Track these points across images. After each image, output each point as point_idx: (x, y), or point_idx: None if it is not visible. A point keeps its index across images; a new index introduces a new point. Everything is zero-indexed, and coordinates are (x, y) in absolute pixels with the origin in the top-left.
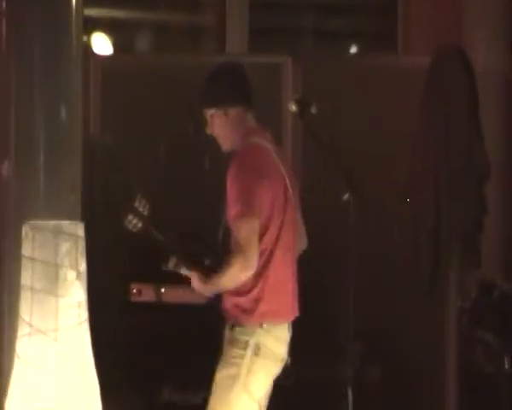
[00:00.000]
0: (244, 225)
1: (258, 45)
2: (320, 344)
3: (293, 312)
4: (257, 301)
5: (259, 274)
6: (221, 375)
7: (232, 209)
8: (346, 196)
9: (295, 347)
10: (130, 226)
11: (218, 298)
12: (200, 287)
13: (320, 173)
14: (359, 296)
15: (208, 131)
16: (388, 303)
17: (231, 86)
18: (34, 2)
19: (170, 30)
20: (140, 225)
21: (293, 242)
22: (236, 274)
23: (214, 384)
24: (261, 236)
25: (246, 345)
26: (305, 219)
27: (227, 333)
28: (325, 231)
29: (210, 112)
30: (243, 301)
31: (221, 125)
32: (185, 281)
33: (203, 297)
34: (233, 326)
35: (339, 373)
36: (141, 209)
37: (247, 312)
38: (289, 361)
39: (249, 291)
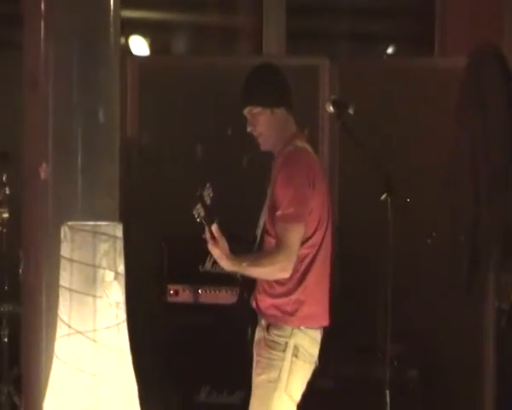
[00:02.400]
0: (295, 229)
1: (295, 48)
2: (358, 344)
3: (327, 318)
4: (298, 303)
5: (302, 277)
6: (261, 378)
7: (284, 211)
8: (383, 197)
9: (334, 347)
10: (196, 215)
11: (250, 298)
12: (228, 264)
13: (357, 174)
14: (397, 297)
15: (249, 130)
16: (426, 303)
17: (279, 87)
18: (72, 5)
19: (207, 31)
20: (203, 214)
21: (331, 248)
22: (274, 272)
23: (255, 387)
24: (307, 240)
25: (285, 347)
26: (342, 219)
27: (261, 333)
28: (363, 231)
29: (255, 110)
30: (284, 302)
31: (265, 124)
32: (222, 282)
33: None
34: (269, 327)
35: (377, 374)
36: (206, 198)
37: (288, 314)
38: (317, 363)
39: (290, 293)
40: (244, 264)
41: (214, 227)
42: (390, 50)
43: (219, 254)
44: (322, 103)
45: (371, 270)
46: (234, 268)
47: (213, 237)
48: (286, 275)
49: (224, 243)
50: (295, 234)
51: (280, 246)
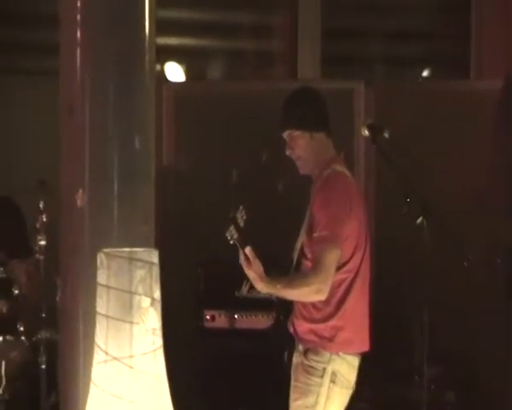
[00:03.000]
0: (331, 251)
1: (330, 71)
2: (395, 367)
3: (367, 343)
4: (336, 329)
5: (340, 302)
6: (298, 403)
7: (320, 232)
8: (419, 220)
9: (371, 370)
10: (229, 237)
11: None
12: (263, 286)
13: (393, 197)
14: (434, 319)
15: (288, 153)
16: (464, 326)
17: (319, 111)
18: (108, 32)
19: (242, 57)
20: (236, 236)
21: (369, 273)
22: (310, 294)
23: None
24: (344, 264)
25: (323, 373)
26: (378, 242)
27: (298, 358)
28: (399, 253)
29: (294, 133)
30: (321, 328)
31: (304, 148)
32: (258, 307)
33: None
34: (306, 352)
35: (414, 397)
36: (239, 221)
37: (326, 339)
38: (354, 388)
39: (328, 319)
40: (279, 286)
41: (248, 249)
42: (425, 73)
43: (254, 276)
44: (358, 127)
45: (408, 292)
46: (269, 290)
47: (247, 259)
48: (321, 297)
49: (258, 264)
50: (331, 256)
51: (316, 268)
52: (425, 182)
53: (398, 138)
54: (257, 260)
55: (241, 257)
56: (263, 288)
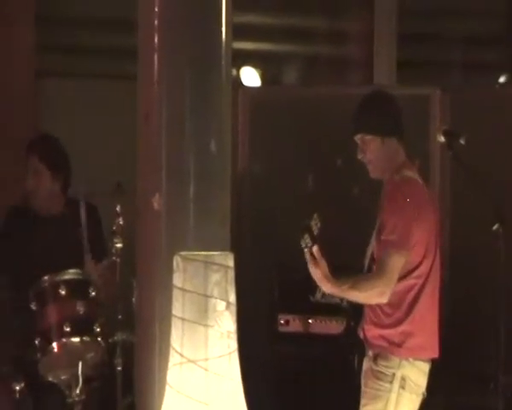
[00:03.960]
0: (396, 256)
1: (406, 77)
2: (469, 375)
3: (437, 349)
4: (406, 335)
5: (409, 308)
6: (367, 409)
7: (386, 236)
8: (495, 227)
9: (444, 377)
10: (303, 245)
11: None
12: (328, 286)
13: (469, 204)
14: (509, 327)
15: (359, 157)
16: None
17: (391, 116)
18: (185, 37)
19: (317, 62)
20: (310, 244)
21: (440, 279)
22: (373, 296)
23: None
24: (413, 270)
25: (392, 378)
26: (454, 248)
27: (368, 364)
28: (474, 260)
29: (366, 137)
30: (391, 333)
31: (376, 152)
32: (332, 312)
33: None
34: (376, 357)
35: (489, 405)
36: (313, 229)
37: (395, 345)
38: (425, 394)
39: (397, 324)
40: (344, 287)
41: (315, 249)
42: (502, 79)
43: (319, 276)
44: (434, 133)
45: (483, 299)
46: (334, 291)
47: (314, 258)
48: (383, 300)
49: (324, 264)
50: (396, 261)
51: (379, 271)
52: (502, 189)
53: (474, 145)
54: (323, 260)
55: (308, 256)
56: (328, 288)
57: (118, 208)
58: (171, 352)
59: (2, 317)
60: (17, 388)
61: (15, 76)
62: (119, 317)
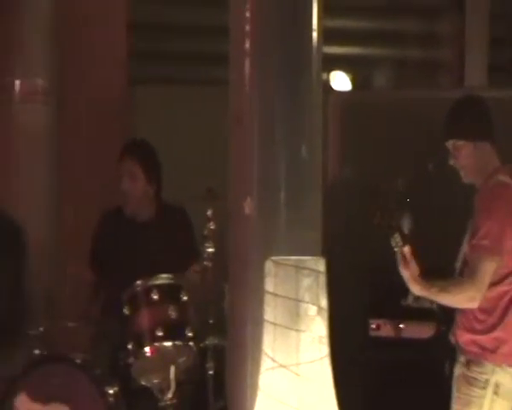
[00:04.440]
0: (488, 261)
1: (498, 79)
2: None
3: None
4: (499, 341)
5: (502, 314)
6: None
7: (478, 241)
8: None
9: None
10: (393, 245)
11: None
12: (417, 288)
13: None
14: None
15: (451, 163)
16: None
17: (483, 121)
18: (276, 42)
19: (408, 65)
20: (401, 244)
21: None
22: (462, 301)
23: None
24: (506, 276)
25: (485, 384)
26: None
27: (460, 369)
28: None
29: (458, 143)
30: (484, 339)
31: (468, 157)
32: (423, 317)
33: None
34: (469, 363)
35: None
36: (404, 229)
37: (488, 350)
38: None
39: (490, 331)
40: (433, 289)
41: (406, 249)
42: None
43: (409, 277)
44: None
45: None
46: (423, 292)
47: (405, 259)
48: (473, 305)
49: (414, 265)
50: (487, 266)
51: (471, 276)
52: None
53: None
54: (413, 261)
55: (398, 256)
56: (417, 290)
57: (209, 213)
58: (263, 357)
59: (97, 321)
60: (111, 391)
61: (110, 82)
62: (211, 321)
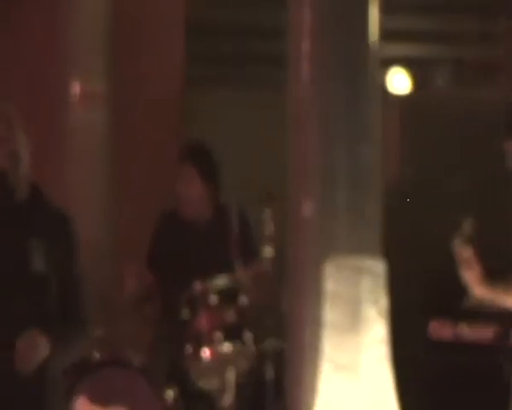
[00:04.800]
0: None
1: None
2: None
3: None
4: None
5: None
6: None
7: None
8: None
9: None
10: (455, 249)
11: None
12: (480, 290)
13: None
14: None
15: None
16: None
17: None
18: (334, 43)
19: (467, 64)
20: (463, 246)
21: None
22: None
23: None
24: None
25: None
26: None
27: None
28: None
29: None
30: None
31: None
32: (483, 319)
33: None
34: None
35: None
36: (467, 231)
37: None
38: None
39: None
40: (498, 291)
41: (469, 251)
42: None
43: (472, 279)
44: None
45: None
46: (486, 295)
47: (467, 261)
48: None
49: (477, 267)
50: None
51: None
52: None
53: None
54: (476, 263)
55: (460, 259)
56: (479, 292)
57: (267, 214)
58: (323, 358)
59: (156, 323)
60: (170, 394)
61: (165, 85)
62: (269, 324)
